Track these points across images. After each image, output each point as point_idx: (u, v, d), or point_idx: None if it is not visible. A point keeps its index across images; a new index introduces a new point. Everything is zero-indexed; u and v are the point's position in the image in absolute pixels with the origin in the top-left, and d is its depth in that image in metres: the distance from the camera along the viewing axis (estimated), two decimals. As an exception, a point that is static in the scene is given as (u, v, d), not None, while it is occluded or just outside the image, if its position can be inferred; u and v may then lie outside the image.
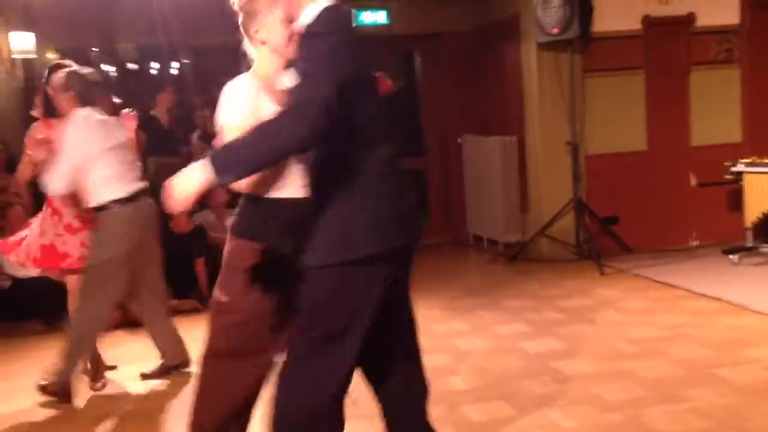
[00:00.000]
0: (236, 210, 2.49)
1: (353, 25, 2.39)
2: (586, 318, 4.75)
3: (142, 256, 3.95)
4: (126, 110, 4.24)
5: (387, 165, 2.21)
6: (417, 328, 2.54)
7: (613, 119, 6.71)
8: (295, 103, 2.04)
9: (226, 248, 2.48)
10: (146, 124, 7.12)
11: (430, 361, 4.10)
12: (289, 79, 2.28)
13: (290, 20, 2.28)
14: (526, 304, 5.22)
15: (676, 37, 6.74)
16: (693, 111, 6.82)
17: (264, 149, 2.05)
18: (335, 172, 2.17)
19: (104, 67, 7.26)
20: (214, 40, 7.89)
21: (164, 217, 6.19)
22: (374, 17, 7.63)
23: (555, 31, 6.24)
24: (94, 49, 7.49)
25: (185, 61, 9.17)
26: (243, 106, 2.32)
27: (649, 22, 6.67)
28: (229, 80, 2.42)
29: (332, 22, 2.11)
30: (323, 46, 2.06)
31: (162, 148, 6.89)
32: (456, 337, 4.57)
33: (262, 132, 2.06)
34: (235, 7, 2.44)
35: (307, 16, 2.16)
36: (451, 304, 5.40)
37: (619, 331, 4.42)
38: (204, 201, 6.70)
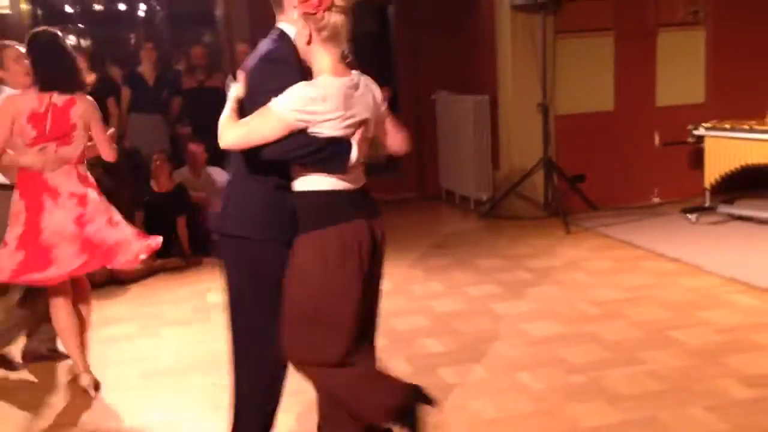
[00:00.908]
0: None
1: None
2: (554, 279, 5.04)
3: None
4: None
5: None
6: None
7: (582, 80, 6.92)
8: None
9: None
10: (131, 80, 7.16)
11: (410, 323, 4.43)
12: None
13: None
14: (497, 264, 5.49)
15: (645, -1, 6.92)
16: (659, 72, 7.05)
17: None
18: None
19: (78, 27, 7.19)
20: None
21: (146, 177, 6.35)
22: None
23: (529, -6, 6.36)
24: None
25: (158, 8, 9.11)
26: None
27: (619, -17, 6.82)
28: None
29: None
30: None
31: (146, 105, 6.96)
32: (432, 299, 4.83)
33: None
34: None
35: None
36: (427, 263, 5.66)
37: (584, 293, 4.72)
38: (183, 159, 6.82)
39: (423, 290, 5.05)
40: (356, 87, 2.46)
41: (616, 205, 6.89)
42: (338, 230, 2.44)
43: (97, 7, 9.61)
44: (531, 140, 6.83)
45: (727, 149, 5.91)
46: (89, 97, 3.76)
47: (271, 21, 2.66)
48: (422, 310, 4.64)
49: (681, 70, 7.07)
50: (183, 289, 5.34)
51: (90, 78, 3.80)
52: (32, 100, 3.56)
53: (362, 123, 2.47)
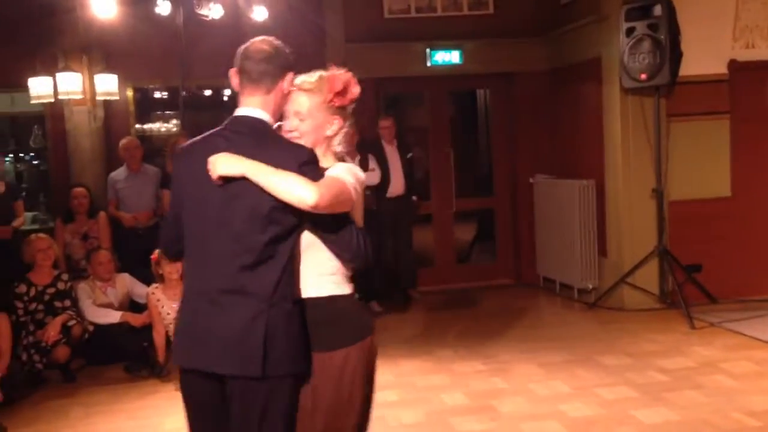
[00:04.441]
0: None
1: None
2: (694, 382, 4.59)
3: None
4: None
5: None
6: None
7: (697, 164, 6.57)
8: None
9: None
10: None
11: (543, 428, 4.03)
12: None
13: None
14: (624, 363, 5.07)
15: (762, 82, 6.60)
16: (780, 157, 6.67)
17: None
18: None
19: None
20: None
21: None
22: (448, 57, 7.57)
23: (643, 77, 6.12)
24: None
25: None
26: None
27: (735, 66, 6.53)
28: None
29: None
30: None
31: None
32: (561, 401, 4.43)
33: None
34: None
35: None
36: (541, 357, 5.27)
37: (735, 400, 4.25)
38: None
39: (546, 390, 4.65)
40: None
41: (737, 297, 6.41)
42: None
43: (184, 93, 9.81)
44: (642, 227, 6.47)
45: None
46: None
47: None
48: (552, 415, 4.24)
49: (803, 154, 6.67)
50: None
51: None
52: None
53: None
